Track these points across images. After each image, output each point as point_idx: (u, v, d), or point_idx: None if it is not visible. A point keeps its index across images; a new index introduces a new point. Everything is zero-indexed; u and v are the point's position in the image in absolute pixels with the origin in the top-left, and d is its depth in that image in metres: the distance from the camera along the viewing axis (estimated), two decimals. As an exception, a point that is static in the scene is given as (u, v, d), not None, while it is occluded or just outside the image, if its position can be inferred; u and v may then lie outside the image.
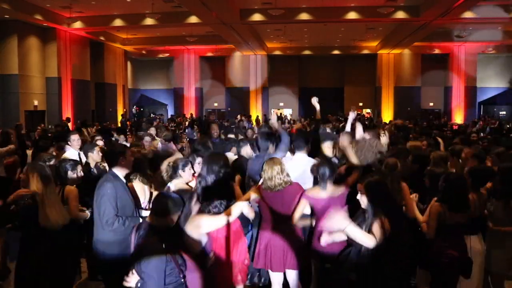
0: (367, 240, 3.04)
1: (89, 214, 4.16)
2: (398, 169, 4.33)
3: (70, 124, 15.52)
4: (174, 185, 4.06)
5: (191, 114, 23.07)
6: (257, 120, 19.87)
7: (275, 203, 3.79)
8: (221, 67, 25.91)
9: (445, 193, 3.68)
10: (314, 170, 4.20)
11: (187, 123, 17.70)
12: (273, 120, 5.74)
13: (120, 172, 3.72)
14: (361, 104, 26.46)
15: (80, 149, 5.84)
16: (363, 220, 3.18)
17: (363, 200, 3.21)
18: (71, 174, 4.27)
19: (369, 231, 3.08)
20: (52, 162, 4.50)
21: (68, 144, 6.00)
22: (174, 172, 4.16)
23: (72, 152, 5.80)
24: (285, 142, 4.61)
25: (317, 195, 3.82)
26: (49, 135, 10.67)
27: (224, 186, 3.74)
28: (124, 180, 3.75)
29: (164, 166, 4.36)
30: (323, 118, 8.92)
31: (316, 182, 4.16)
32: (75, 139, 5.91)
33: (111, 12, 16.54)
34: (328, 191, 3.81)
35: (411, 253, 3.38)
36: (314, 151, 4.88)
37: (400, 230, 3.13)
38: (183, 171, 4.10)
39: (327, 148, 5.03)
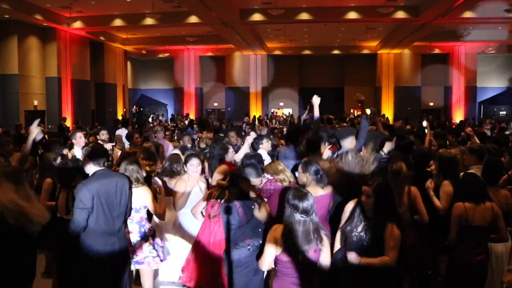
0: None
1: None
2: (402, 174, 4.09)
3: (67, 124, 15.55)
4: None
5: (188, 114, 23.06)
6: (258, 120, 19.81)
7: None
8: (221, 67, 25.88)
9: (465, 191, 3.60)
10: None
11: (186, 122, 17.70)
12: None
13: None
14: (361, 104, 26.39)
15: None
16: (359, 222, 3.16)
17: (367, 203, 3.14)
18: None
19: (378, 237, 3.05)
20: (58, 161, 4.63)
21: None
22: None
23: (76, 149, 5.93)
24: None
25: None
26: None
27: None
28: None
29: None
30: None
31: None
32: (80, 136, 6.06)
33: (111, 12, 16.53)
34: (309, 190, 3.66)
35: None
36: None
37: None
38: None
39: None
